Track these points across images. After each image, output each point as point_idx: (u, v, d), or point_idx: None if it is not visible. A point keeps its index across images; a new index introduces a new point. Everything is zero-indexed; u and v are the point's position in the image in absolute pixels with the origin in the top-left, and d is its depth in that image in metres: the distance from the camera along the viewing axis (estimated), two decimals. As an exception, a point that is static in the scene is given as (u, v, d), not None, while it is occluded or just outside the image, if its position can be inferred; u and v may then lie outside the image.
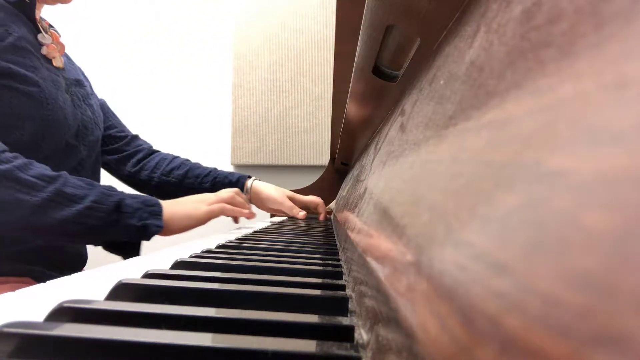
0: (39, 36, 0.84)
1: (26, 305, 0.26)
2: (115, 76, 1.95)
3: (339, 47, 0.61)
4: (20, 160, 0.66)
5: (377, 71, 0.41)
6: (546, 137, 0.09)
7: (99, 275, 0.36)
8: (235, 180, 1.10)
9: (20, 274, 0.80)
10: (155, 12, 1.96)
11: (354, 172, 0.78)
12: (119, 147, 1.10)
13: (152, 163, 1.11)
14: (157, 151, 1.16)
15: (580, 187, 0.07)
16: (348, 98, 0.56)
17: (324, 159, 1.73)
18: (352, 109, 0.60)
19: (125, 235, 0.73)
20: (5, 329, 0.18)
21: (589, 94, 0.08)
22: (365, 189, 0.44)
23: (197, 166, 1.13)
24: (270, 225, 0.91)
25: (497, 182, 0.11)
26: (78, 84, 0.98)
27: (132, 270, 0.38)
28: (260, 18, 1.82)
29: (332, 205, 1.25)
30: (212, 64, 1.93)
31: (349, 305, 0.25)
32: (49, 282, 0.32)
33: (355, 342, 0.20)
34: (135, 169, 1.11)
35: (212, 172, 1.11)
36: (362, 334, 0.20)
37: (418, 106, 0.27)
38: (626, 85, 0.07)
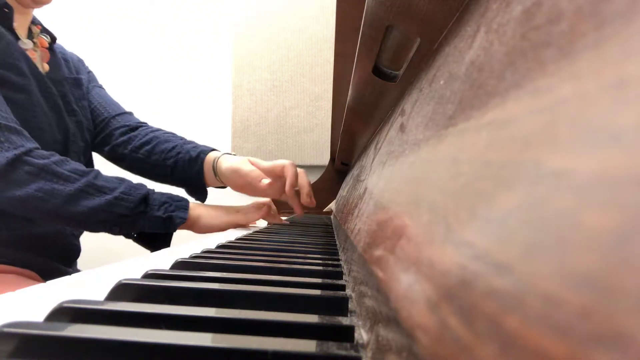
0: (20, 43, 0.85)
1: (26, 305, 0.26)
2: (115, 76, 1.95)
3: (339, 47, 0.61)
4: (57, 156, 0.74)
5: (377, 71, 0.41)
6: (546, 137, 0.09)
7: (99, 275, 0.36)
8: (195, 156, 0.96)
9: (22, 265, 0.82)
10: (155, 12, 1.96)
11: (354, 172, 0.78)
12: (98, 132, 1.04)
13: (124, 138, 1.03)
14: (141, 126, 1.06)
15: (580, 187, 0.07)
16: (348, 98, 0.56)
17: (324, 159, 1.73)
18: (352, 109, 0.60)
19: (152, 225, 0.78)
20: (5, 329, 0.18)
21: (589, 94, 0.08)
22: (365, 189, 0.44)
23: (166, 139, 1.01)
24: (270, 225, 0.91)
25: (497, 182, 0.11)
26: (75, 83, 0.95)
27: (132, 270, 0.38)
28: (260, 18, 1.82)
29: (332, 205, 1.25)
30: (212, 63, 1.93)
31: (349, 305, 0.25)
32: (49, 282, 0.32)
33: (355, 342, 0.20)
34: (109, 147, 1.03)
35: (177, 147, 0.99)
36: (362, 334, 0.20)
37: (418, 106, 0.27)
38: (626, 85, 0.07)
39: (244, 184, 0.91)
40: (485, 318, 0.09)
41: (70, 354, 0.17)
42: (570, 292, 0.07)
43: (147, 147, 1.00)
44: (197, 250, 0.46)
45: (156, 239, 0.84)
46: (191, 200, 0.86)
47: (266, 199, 0.92)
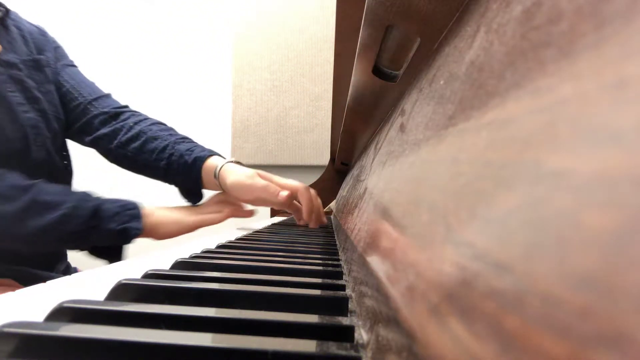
0: None
1: (26, 305, 0.26)
2: (115, 76, 1.95)
3: (339, 47, 0.61)
4: None
5: (377, 71, 0.41)
6: (546, 137, 0.09)
7: (99, 275, 0.36)
8: (191, 163, 0.86)
9: (2, 275, 0.77)
10: (155, 12, 1.96)
11: (354, 172, 0.78)
12: (74, 119, 0.92)
13: (106, 131, 0.90)
14: (123, 111, 0.93)
15: (580, 187, 0.07)
16: (348, 98, 0.56)
17: (324, 159, 1.73)
18: (352, 109, 0.60)
19: (106, 239, 0.72)
20: (5, 329, 0.18)
21: (589, 94, 0.08)
22: (365, 189, 0.44)
23: (156, 136, 0.90)
24: (270, 225, 0.91)
25: (497, 182, 0.11)
26: (35, 65, 0.83)
27: (132, 270, 0.38)
28: (260, 18, 1.82)
29: (332, 205, 1.25)
30: (212, 64, 1.93)
31: (349, 305, 0.25)
32: (49, 282, 0.32)
33: (355, 342, 0.20)
34: (91, 138, 0.91)
35: (169, 147, 0.88)
36: (362, 334, 0.20)
37: (418, 106, 0.27)
38: (626, 85, 0.07)
39: (254, 199, 0.83)
40: (485, 318, 0.09)
41: (70, 354, 0.17)
42: (570, 292, 0.07)
43: (135, 145, 0.89)
44: (197, 250, 0.46)
45: (110, 250, 0.78)
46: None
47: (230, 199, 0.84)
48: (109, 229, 0.71)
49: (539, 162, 0.09)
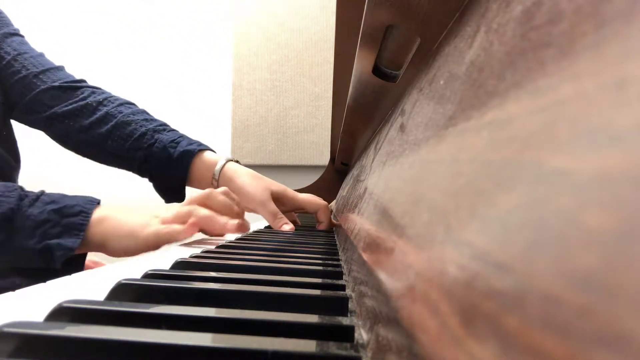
0: None
1: (26, 305, 0.26)
2: (115, 76, 1.95)
3: (339, 47, 0.61)
4: None
5: (377, 71, 0.41)
6: (546, 137, 0.09)
7: (99, 275, 0.36)
8: (177, 157, 0.71)
9: None
10: (155, 12, 1.96)
11: (354, 172, 0.78)
12: (18, 95, 0.75)
13: (64, 109, 0.74)
14: (80, 86, 0.77)
15: (580, 187, 0.07)
16: (348, 98, 0.56)
17: (324, 159, 1.73)
18: (352, 109, 0.60)
19: (22, 260, 0.51)
20: (5, 329, 0.18)
21: (589, 94, 0.08)
22: (365, 189, 0.44)
23: (128, 120, 0.74)
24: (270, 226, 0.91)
25: (497, 182, 0.11)
26: None
27: (132, 270, 0.38)
28: (260, 18, 1.82)
29: (332, 205, 1.25)
30: (212, 64, 1.93)
31: (349, 305, 0.25)
32: (49, 282, 0.32)
33: (355, 342, 0.20)
34: (41, 118, 0.75)
35: (147, 134, 0.73)
36: (362, 334, 0.20)
37: (418, 106, 0.27)
38: (626, 85, 0.07)
39: (256, 209, 0.71)
40: (485, 318, 0.09)
41: (70, 354, 0.17)
42: (570, 292, 0.07)
43: (101, 130, 0.73)
44: (197, 250, 0.46)
45: (40, 270, 0.53)
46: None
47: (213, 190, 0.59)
48: (23, 247, 0.49)
49: (539, 162, 0.09)
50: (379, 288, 0.19)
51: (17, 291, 0.29)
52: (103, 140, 0.74)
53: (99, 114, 0.75)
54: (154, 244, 0.54)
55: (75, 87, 0.77)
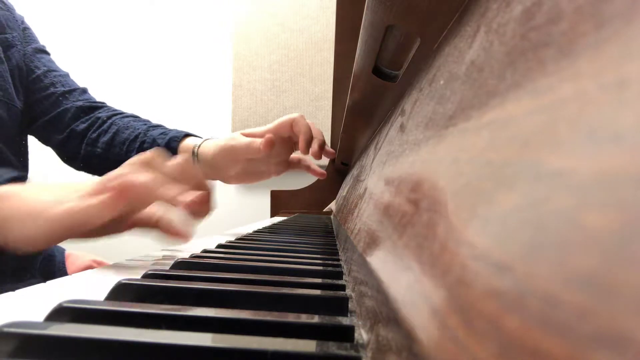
0: None
1: (26, 305, 0.26)
2: (115, 76, 1.95)
3: (339, 47, 0.61)
4: None
5: (377, 71, 0.41)
6: (546, 137, 0.09)
7: (99, 275, 0.36)
8: (165, 145, 0.72)
9: None
10: (156, 13, 1.96)
11: (354, 172, 0.78)
12: (42, 111, 0.77)
13: (81, 127, 0.77)
14: (99, 106, 0.81)
15: (580, 187, 0.07)
16: (348, 98, 0.56)
17: (324, 159, 1.73)
18: (352, 109, 0.60)
19: None
20: (5, 329, 0.18)
21: (589, 94, 0.08)
22: (365, 188, 0.44)
23: (127, 126, 0.77)
24: (270, 225, 0.91)
25: (497, 182, 0.11)
26: None
27: (132, 270, 0.38)
28: (260, 18, 1.82)
29: (332, 205, 1.25)
30: (212, 64, 1.93)
31: (349, 305, 0.25)
32: (49, 282, 0.32)
33: (355, 342, 0.20)
34: (62, 137, 0.77)
35: (140, 135, 0.75)
36: (362, 334, 0.20)
37: (418, 106, 0.27)
38: (626, 85, 0.07)
39: (243, 168, 0.68)
40: (485, 318, 0.09)
41: (70, 354, 0.17)
42: (571, 292, 0.07)
43: (105, 139, 0.76)
44: (197, 250, 0.46)
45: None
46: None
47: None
48: None
49: (539, 162, 0.09)
50: (379, 288, 0.19)
51: (17, 291, 0.29)
52: (107, 148, 0.75)
53: (105, 125, 0.77)
54: (69, 227, 0.38)
55: (94, 107, 0.80)
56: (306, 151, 0.69)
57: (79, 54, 1.89)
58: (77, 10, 1.94)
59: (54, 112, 0.77)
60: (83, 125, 0.77)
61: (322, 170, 0.76)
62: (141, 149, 0.73)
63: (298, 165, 0.75)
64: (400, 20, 0.29)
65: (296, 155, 0.76)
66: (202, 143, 0.72)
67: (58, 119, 0.77)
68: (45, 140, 0.80)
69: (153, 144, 0.74)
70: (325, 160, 1.65)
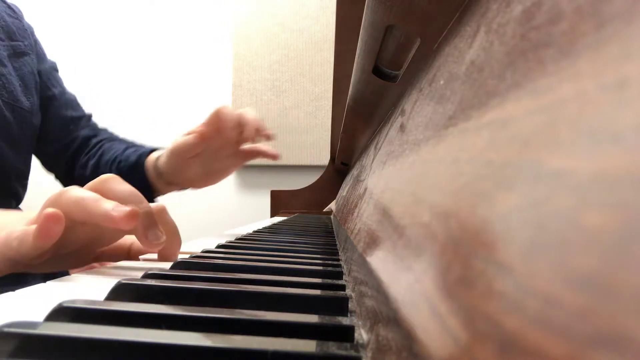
0: None
1: (26, 305, 0.26)
2: (115, 76, 1.95)
3: (339, 47, 0.61)
4: None
5: (377, 71, 0.41)
6: (546, 137, 0.09)
7: (99, 275, 0.36)
8: (135, 160, 0.74)
9: None
10: (156, 13, 1.96)
11: (354, 172, 0.78)
12: (53, 133, 0.80)
13: (79, 154, 0.81)
14: (98, 134, 0.85)
15: (580, 187, 0.07)
16: (348, 98, 0.56)
17: (324, 159, 1.73)
18: (352, 109, 0.60)
19: None
20: (5, 329, 0.18)
21: (589, 94, 0.08)
22: (365, 188, 0.44)
23: (111, 147, 0.80)
24: (270, 226, 0.91)
25: (497, 182, 0.11)
26: (13, 53, 0.71)
27: (132, 270, 0.38)
28: (260, 18, 1.82)
29: (332, 205, 1.25)
30: (212, 64, 1.93)
31: (349, 305, 0.25)
32: (49, 282, 0.32)
33: (355, 342, 0.20)
34: (68, 165, 0.81)
35: (118, 155, 0.77)
36: (362, 334, 0.20)
37: (418, 106, 0.27)
38: (626, 85, 0.07)
39: (201, 169, 0.69)
40: (485, 318, 0.09)
41: (70, 354, 0.17)
42: (570, 292, 0.07)
43: (93, 162, 0.79)
44: (197, 250, 0.46)
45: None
46: None
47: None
48: None
49: (539, 162, 0.09)
50: (379, 288, 0.19)
51: (17, 291, 0.29)
52: (95, 170, 0.78)
53: (94, 149, 0.81)
54: (5, 253, 0.36)
55: (95, 135, 0.84)
56: (230, 134, 0.68)
57: (79, 54, 1.89)
58: (77, 10, 1.94)
59: (65, 140, 0.80)
60: (81, 156, 0.81)
61: (275, 152, 0.75)
62: (118, 168, 0.75)
63: (251, 154, 0.74)
64: (400, 20, 0.29)
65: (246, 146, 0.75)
66: (162, 153, 0.73)
67: (65, 147, 0.81)
68: (50, 166, 0.83)
69: (126, 161, 0.75)
70: (325, 160, 1.65)
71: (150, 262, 0.42)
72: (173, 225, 0.41)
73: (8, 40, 0.72)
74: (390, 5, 0.28)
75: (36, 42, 0.81)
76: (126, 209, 0.33)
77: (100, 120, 0.93)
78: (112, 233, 0.40)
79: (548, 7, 0.12)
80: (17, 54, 0.73)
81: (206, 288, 0.26)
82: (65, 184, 0.82)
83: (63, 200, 0.35)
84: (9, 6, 0.76)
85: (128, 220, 0.33)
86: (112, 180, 0.38)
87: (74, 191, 0.36)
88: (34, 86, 0.75)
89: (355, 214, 0.45)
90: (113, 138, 0.86)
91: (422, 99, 0.26)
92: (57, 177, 0.85)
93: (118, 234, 0.40)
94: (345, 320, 0.21)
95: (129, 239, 0.43)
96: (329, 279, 0.32)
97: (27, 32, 0.78)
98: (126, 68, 1.94)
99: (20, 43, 0.74)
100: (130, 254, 0.43)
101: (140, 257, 0.45)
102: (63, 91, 0.82)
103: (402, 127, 0.32)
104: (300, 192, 1.33)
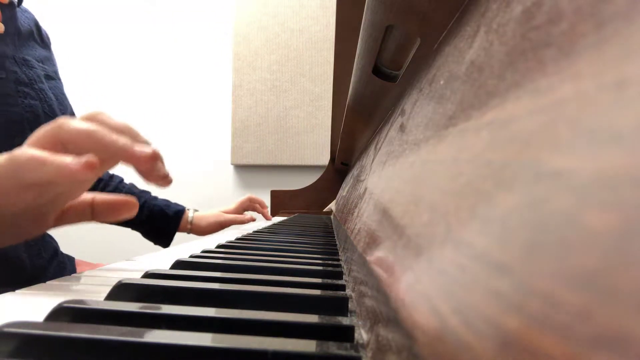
0: None
1: (26, 305, 0.26)
2: (115, 77, 1.95)
3: (339, 47, 0.61)
4: None
5: (377, 71, 0.41)
6: (546, 137, 0.09)
7: (99, 275, 0.36)
8: (172, 214, 0.99)
9: None
10: (156, 13, 1.96)
11: (354, 172, 0.78)
12: None
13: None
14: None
15: (580, 187, 0.07)
16: (348, 98, 0.56)
17: (324, 159, 1.73)
18: (352, 109, 0.60)
19: None
20: (5, 329, 0.18)
21: (589, 94, 0.08)
22: (365, 189, 0.44)
23: (124, 184, 0.97)
24: (270, 225, 0.91)
25: (497, 182, 0.11)
26: (25, 63, 0.75)
27: (132, 270, 0.38)
28: (260, 18, 1.82)
29: (332, 205, 1.25)
30: (212, 64, 1.93)
31: (349, 305, 0.25)
32: (49, 282, 0.32)
33: (355, 342, 0.20)
34: None
35: (147, 202, 0.97)
36: (362, 334, 0.20)
37: (418, 106, 0.27)
38: (626, 85, 0.07)
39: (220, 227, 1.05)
40: (485, 318, 0.09)
41: (70, 354, 0.17)
42: (570, 292, 0.07)
43: (109, 189, 0.93)
44: (197, 250, 0.46)
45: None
46: None
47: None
48: None
49: (539, 162, 0.09)
50: (379, 288, 0.19)
51: (17, 291, 0.29)
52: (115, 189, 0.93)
53: (111, 186, 0.94)
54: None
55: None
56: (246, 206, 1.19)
57: (79, 54, 1.89)
58: (78, 11, 1.94)
59: None
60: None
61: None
62: (150, 213, 0.96)
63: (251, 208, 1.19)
64: (400, 20, 0.29)
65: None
66: (194, 214, 1.06)
67: None
68: None
69: (162, 211, 0.98)
70: (325, 160, 1.65)
71: (150, 263, 0.42)
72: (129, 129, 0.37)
73: (41, 64, 0.80)
74: (390, 5, 0.28)
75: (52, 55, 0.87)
76: (78, 160, 0.29)
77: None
78: (80, 185, 0.36)
79: (548, 7, 0.12)
80: (48, 77, 0.81)
81: (206, 288, 0.26)
82: None
83: (66, 130, 0.32)
84: (42, 36, 0.82)
85: (79, 168, 0.29)
86: (104, 114, 0.35)
87: (76, 122, 0.33)
88: (67, 104, 0.85)
89: (355, 214, 0.45)
90: (121, 178, 1.01)
91: (422, 99, 0.26)
92: None
93: (86, 184, 0.37)
94: (345, 320, 0.21)
95: (89, 195, 0.38)
96: (329, 279, 0.32)
97: (54, 61, 0.86)
98: (126, 68, 1.94)
99: (50, 69, 0.82)
100: (94, 211, 0.39)
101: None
102: (72, 111, 0.89)
103: (402, 127, 0.32)
104: (300, 192, 1.33)
